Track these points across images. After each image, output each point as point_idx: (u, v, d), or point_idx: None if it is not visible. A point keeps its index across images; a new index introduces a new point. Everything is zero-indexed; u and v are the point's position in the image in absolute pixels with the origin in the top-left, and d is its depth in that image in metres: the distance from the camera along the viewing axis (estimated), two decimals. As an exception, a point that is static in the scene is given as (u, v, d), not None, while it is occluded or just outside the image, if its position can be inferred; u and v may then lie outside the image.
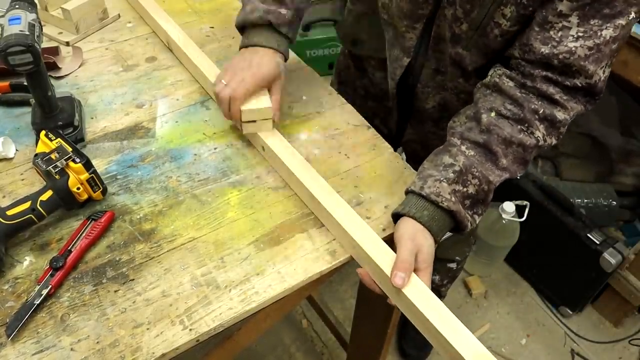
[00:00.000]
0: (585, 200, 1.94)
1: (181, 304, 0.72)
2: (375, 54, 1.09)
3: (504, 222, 1.74)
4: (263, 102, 0.89)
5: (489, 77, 0.84)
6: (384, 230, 0.83)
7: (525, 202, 1.72)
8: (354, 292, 1.87)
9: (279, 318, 0.88)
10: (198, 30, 1.21)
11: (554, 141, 0.81)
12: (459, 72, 0.94)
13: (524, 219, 1.71)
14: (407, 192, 0.80)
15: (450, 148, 0.80)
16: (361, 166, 0.93)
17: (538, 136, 0.78)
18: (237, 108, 0.88)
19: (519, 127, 0.78)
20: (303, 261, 0.78)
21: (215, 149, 0.95)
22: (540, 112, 0.78)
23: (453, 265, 1.54)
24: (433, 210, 0.75)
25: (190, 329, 0.69)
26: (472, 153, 0.78)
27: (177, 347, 0.68)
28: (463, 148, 0.79)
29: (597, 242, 1.68)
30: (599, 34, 0.74)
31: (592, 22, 0.74)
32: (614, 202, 1.94)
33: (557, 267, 1.83)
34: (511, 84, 0.80)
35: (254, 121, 0.89)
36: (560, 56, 0.75)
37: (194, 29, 1.20)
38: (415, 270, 0.72)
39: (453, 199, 0.75)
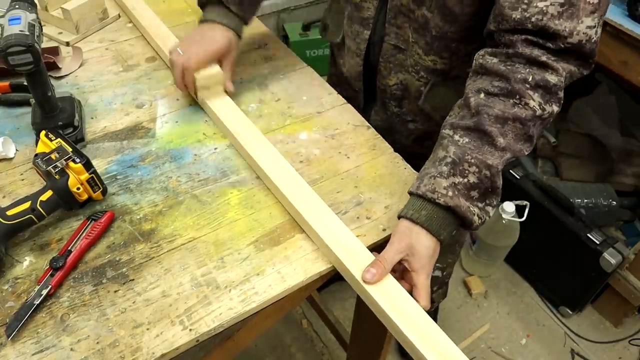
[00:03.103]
0: (585, 200, 1.93)
1: (181, 304, 0.72)
2: (336, 38, 1.14)
3: (504, 222, 1.74)
4: (214, 69, 0.98)
5: (474, 61, 0.81)
6: (384, 230, 0.83)
7: (525, 202, 1.72)
8: (354, 292, 1.87)
9: (279, 318, 0.88)
10: (198, 30, 1.20)
11: (556, 108, 0.75)
12: (422, 40, 0.95)
13: (524, 219, 1.71)
14: (409, 194, 0.79)
15: (442, 140, 0.78)
16: (361, 166, 0.93)
17: (534, 106, 0.73)
18: (190, 75, 0.96)
19: (510, 101, 0.74)
20: (303, 261, 0.78)
21: (215, 149, 0.95)
22: (530, 79, 0.74)
23: (438, 274, 1.47)
24: (431, 209, 0.73)
25: (190, 329, 0.69)
26: (466, 140, 0.75)
27: (177, 347, 0.68)
28: (456, 137, 0.76)
29: (597, 242, 1.67)
30: None
31: None
32: (614, 202, 1.94)
33: (557, 267, 1.83)
34: (495, 60, 0.77)
35: (208, 88, 0.99)
36: (533, 19, 0.73)
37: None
38: (411, 271, 0.72)
39: (450, 193, 0.72)
